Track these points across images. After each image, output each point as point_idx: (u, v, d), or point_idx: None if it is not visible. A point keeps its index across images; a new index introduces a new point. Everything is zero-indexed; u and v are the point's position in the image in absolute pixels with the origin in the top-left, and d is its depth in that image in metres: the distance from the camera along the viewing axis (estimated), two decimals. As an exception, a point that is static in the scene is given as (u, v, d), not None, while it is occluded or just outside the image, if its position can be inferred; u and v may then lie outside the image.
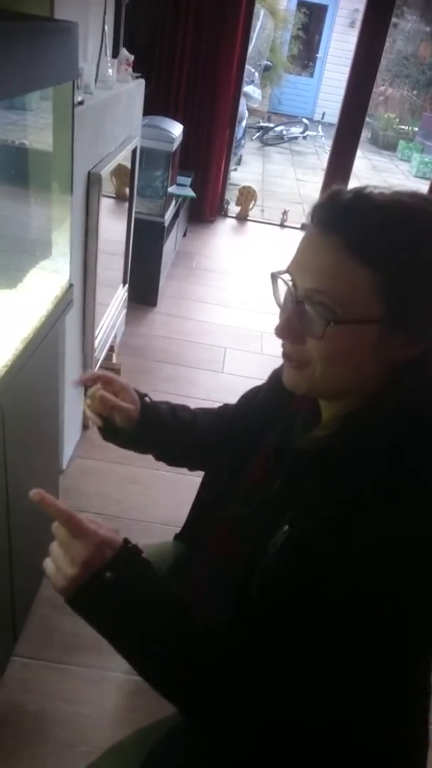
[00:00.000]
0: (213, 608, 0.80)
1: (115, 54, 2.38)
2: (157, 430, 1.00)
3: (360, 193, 0.66)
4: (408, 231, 0.64)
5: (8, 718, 1.34)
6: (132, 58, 2.44)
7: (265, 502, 0.78)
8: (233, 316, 3.38)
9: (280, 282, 0.72)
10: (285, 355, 0.73)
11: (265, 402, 0.91)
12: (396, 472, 0.65)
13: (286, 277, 0.71)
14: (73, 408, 2.04)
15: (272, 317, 0.75)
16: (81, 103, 1.61)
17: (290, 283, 0.70)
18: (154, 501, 2.00)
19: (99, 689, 1.43)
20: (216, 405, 1.10)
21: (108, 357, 2.44)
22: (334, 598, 0.63)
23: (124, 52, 2.41)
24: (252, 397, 0.99)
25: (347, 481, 0.66)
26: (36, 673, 1.44)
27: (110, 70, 2.04)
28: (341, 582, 0.63)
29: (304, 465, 0.74)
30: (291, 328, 0.70)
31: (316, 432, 0.77)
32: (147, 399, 1.01)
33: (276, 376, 0.90)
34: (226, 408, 1.10)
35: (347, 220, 0.65)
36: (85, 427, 2.24)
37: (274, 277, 0.73)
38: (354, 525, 0.63)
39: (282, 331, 0.71)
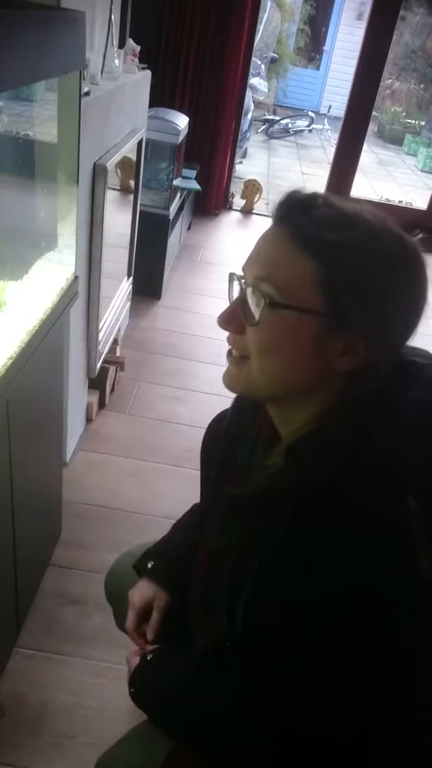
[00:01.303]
0: (205, 623, 0.83)
1: (122, 44, 2.36)
2: (184, 572, 0.97)
3: (317, 193, 0.68)
4: (358, 237, 0.63)
5: (10, 709, 1.35)
6: (138, 48, 2.43)
7: (235, 535, 0.78)
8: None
9: (235, 282, 0.72)
10: (228, 350, 0.73)
11: (230, 427, 0.89)
12: (338, 508, 0.64)
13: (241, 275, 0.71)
14: (77, 401, 2.04)
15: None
16: (87, 93, 1.60)
17: (242, 278, 0.70)
18: (156, 495, 2.00)
19: (100, 681, 1.43)
20: (220, 399, 1.10)
21: (112, 350, 2.43)
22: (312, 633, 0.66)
23: (130, 42, 2.40)
24: (217, 423, 0.97)
25: (295, 518, 0.67)
26: (38, 665, 1.44)
27: (116, 61, 2.02)
28: (314, 618, 0.66)
29: (257, 503, 0.73)
30: (232, 317, 0.70)
31: (269, 460, 0.76)
32: (150, 566, 1.01)
33: (240, 399, 0.90)
34: None
35: (298, 214, 0.66)
36: (88, 420, 2.24)
37: (232, 278, 0.73)
38: (310, 563, 0.65)
39: (222, 319, 0.71)
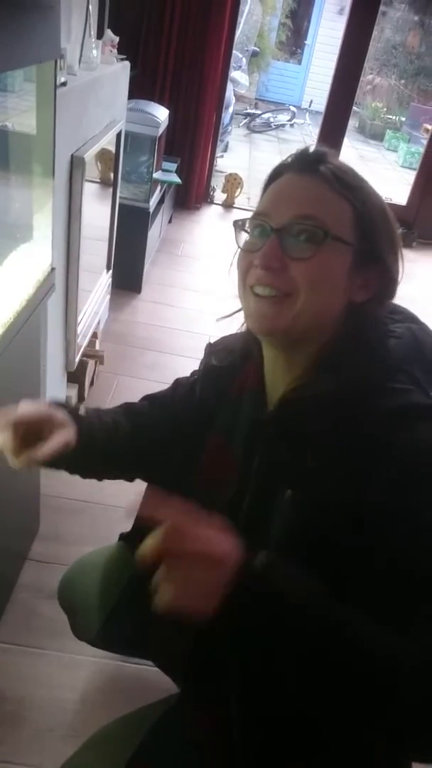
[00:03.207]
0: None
1: (100, 35, 2.34)
2: (98, 446, 0.94)
3: (324, 149, 0.79)
4: (368, 184, 0.78)
5: (-12, 704, 1.34)
6: (117, 39, 2.41)
7: (247, 486, 0.77)
8: (218, 304, 3.37)
9: (241, 231, 0.79)
10: (265, 287, 0.74)
11: (203, 399, 0.91)
12: (402, 396, 0.70)
13: (253, 222, 0.78)
14: (55, 394, 2.03)
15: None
16: (64, 84, 1.58)
17: (263, 222, 0.76)
18: (135, 487, 1.99)
19: (78, 674, 1.43)
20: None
21: (91, 343, 2.42)
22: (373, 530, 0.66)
23: (108, 33, 2.37)
24: (188, 386, 0.99)
25: (354, 416, 0.70)
26: (16, 659, 1.44)
27: (94, 51, 2.00)
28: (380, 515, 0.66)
29: (289, 422, 0.75)
30: (277, 255, 0.73)
31: (292, 384, 0.78)
32: (81, 412, 0.93)
33: (212, 370, 0.92)
34: (155, 399, 1.06)
35: (324, 165, 0.75)
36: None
37: (238, 224, 0.79)
38: (374, 455, 0.67)
39: (268, 259, 0.73)
